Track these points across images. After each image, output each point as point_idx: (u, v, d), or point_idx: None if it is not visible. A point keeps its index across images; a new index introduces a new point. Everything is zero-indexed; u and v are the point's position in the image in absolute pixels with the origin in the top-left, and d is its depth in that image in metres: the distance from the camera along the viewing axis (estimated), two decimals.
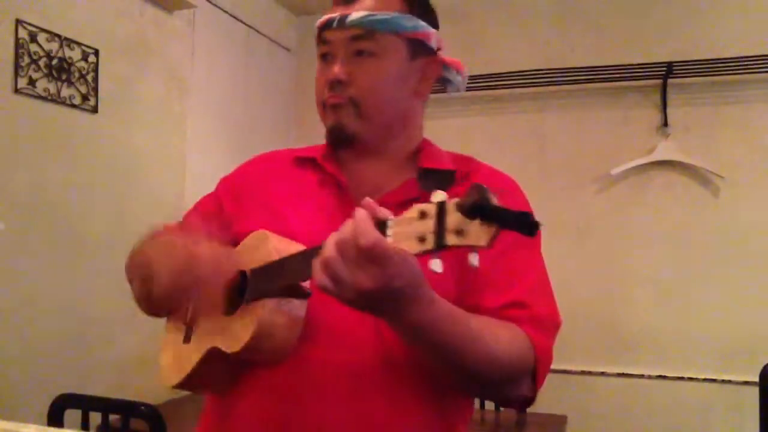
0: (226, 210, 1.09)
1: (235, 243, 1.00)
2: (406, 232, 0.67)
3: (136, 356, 2.24)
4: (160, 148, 2.51)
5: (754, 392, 2.25)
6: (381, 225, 0.70)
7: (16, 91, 1.94)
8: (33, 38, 1.98)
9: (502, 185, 1.14)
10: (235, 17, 2.93)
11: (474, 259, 0.87)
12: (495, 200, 0.62)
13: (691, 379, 2.75)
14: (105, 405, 1.67)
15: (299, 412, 0.91)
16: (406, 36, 1.06)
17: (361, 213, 0.71)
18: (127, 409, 1.63)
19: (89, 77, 2.18)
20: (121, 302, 2.30)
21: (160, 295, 0.93)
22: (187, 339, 1.01)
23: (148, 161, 2.44)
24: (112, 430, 1.74)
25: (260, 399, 0.94)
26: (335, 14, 1.01)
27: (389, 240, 0.69)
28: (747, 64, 2.65)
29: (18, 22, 1.93)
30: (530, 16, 3.06)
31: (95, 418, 1.69)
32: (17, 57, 1.93)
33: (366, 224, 0.69)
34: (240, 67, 3.00)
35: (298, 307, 0.91)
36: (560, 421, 2.34)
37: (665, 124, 2.82)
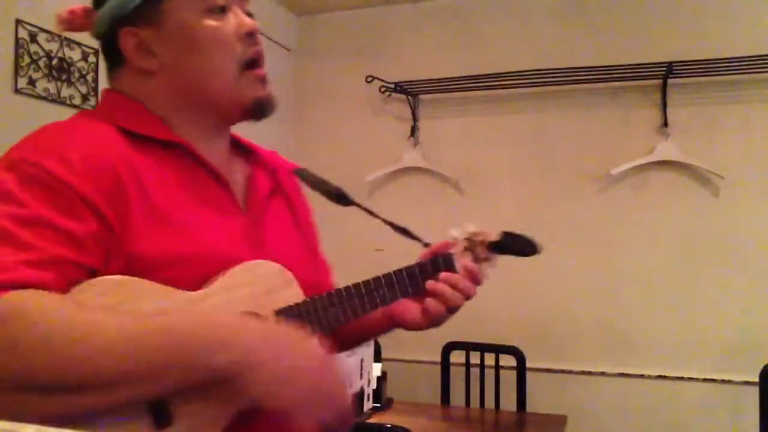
0: (112, 227, 0.75)
1: (129, 269, 0.75)
2: (465, 260, 1.01)
3: None
4: None
5: (754, 392, 2.25)
6: (449, 258, 1.00)
7: (16, 91, 1.94)
8: (33, 38, 1.98)
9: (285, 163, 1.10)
10: None
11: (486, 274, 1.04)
12: (509, 244, 1.01)
13: (691, 379, 2.75)
14: None
15: None
16: None
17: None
18: None
19: (89, 77, 2.18)
20: None
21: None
22: (164, 423, 0.73)
23: None
24: None
25: None
26: None
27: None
28: (747, 64, 2.64)
29: (18, 22, 1.93)
30: (530, 16, 3.06)
31: None
32: (17, 57, 1.93)
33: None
34: None
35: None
36: (560, 421, 2.34)
37: (665, 124, 2.82)
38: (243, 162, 0.99)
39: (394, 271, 0.97)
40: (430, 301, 0.96)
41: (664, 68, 2.72)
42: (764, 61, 2.62)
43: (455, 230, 1.03)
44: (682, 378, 2.77)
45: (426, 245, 1.04)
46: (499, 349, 2.64)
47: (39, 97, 2.01)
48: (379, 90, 3.18)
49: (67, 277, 0.70)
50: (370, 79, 3.15)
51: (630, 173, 2.86)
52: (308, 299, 0.89)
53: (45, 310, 0.64)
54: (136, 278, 0.74)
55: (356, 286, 0.94)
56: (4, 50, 1.91)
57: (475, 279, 0.99)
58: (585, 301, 2.90)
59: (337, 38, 3.36)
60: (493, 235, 1.01)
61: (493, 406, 2.62)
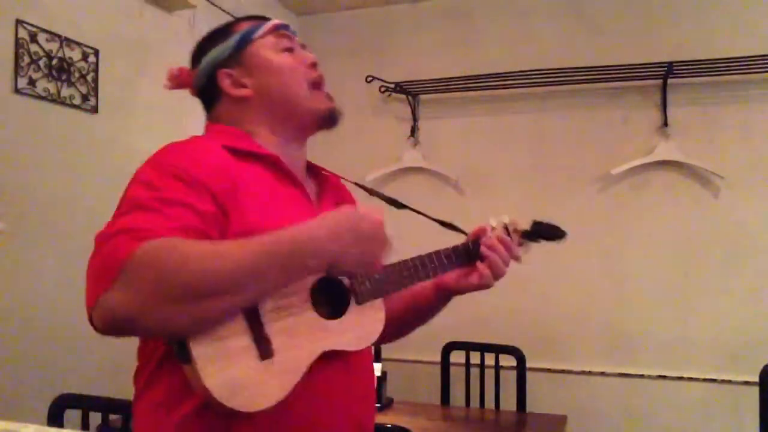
0: (226, 210, 0.98)
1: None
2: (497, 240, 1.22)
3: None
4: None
5: (754, 392, 2.25)
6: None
7: (16, 91, 1.94)
8: (33, 38, 1.98)
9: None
10: (234, 17, 2.92)
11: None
12: (537, 228, 1.29)
13: (691, 379, 2.76)
14: (105, 405, 1.67)
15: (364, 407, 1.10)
16: None
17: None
18: (127, 409, 1.63)
19: (89, 77, 2.18)
20: None
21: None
22: (267, 354, 0.91)
23: None
24: (112, 431, 1.74)
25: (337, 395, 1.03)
26: (286, 22, 1.21)
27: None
28: (747, 64, 2.65)
29: (18, 22, 1.93)
30: (530, 16, 3.06)
31: (95, 418, 1.69)
32: (17, 57, 1.93)
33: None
34: None
35: (381, 302, 1.09)
36: (560, 421, 2.34)
37: (665, 124, 2.82)
38: (313, 180, 1.24)
39: (443, 249, 1.20)
40: (479, 266, 1.21)
41: (664, 68, 2.72)
42: (764, 61, 2.62)
43: (493, 220, 1.23)
44: (682, 378, 2.77)
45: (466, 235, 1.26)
46: (499, 349, 2.64)
47: (39, 97, 2.01)
48: (379, 90, 3.18)
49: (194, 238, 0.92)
50: (370, 79, 3.15)
51: (630, 173, 2.86)
52: (387, 266, 1.09)
53: (191, 244, 0.88)
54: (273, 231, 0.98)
55: (414, 258, 1.15)
56: (4, 50, 1.91)
57: (514, 252, 1.23)
58: (585, 301, 2.90)
59: (337, 38, 3.36)
60: (525, 224, 1.22)
61: (493, 406, 2.62)
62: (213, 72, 1.16)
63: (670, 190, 2.84)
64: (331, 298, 1.02)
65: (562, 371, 2.91)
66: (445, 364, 2.72)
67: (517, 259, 1.23)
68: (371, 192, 1.33)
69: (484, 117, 3.12)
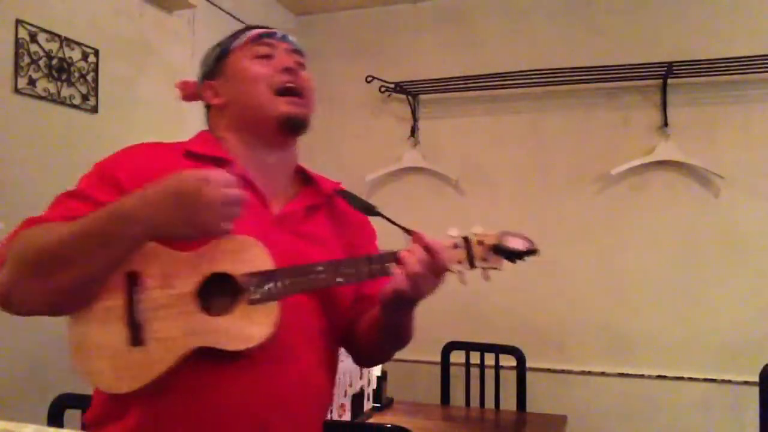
0: None
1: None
2: (448, 256, 1.04)
3: None
4: None
5: (754, 392, 2.25)
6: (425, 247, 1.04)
7: (16, 91, 1.94)
8: (33, 38, 1.98)
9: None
10: (235, 17, 2.93)
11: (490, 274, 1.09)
12: (509, 244, 1.05)
13: (691, 379, 2.76)
14: None
15: (282, 406, 1.05)
16: None
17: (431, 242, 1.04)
18: None
19: (89, 77, 2.18)
20: None
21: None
22: (137, 341, 0.96)
23: None
24: None
25: (242, 393, 1.02)
26: (273, 29, 1.22)
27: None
28: (747, 64, 2.65)
29: (18, 22, 1.93)
30: (530, 17, 3.06)
31: None
32: (17, 57, 1.93)
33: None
34: None
35: (277, 307, 1.03)
36: (560, 421, 2.34)
37: (665, 124, 2.82)
38: (298, 184, 1.25)
39: (368, 254, 1.08)
40: (387, 287, 1.06)
41: (664, 68, 2.72)
42: (764, 61, 2.62)
43: (455, 229, 1.07)
44: (682, 378, 2.77)
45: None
46: (499, 349, 2.64)
47: (39, 97, 2.01)
48: (379, 90, 3.18)
49: None
50: (370, 79, 3.15)
51: (630, 173, 2.86)
52: (277, 269, 1.02)
53: (51, 226, 0.98)
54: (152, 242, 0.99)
55: (326, 262, 1.05)
56: (4, 50, 1.91)
57: (438, 258, 1.03)
58: (585, 301, 2.90)
59: (337, 38, 3.36)
60: (494, 238, 1.05)
61: (493, 406, 2.62)
62: (202, 84, 1.25)
63: (670, 190, 2.84)
64: (226, 296, 1.00)
65: (562, 371, 2.91)
66: (445, 364, 2.72)
67: (440, 261, 1.03)
68: (348, 199, 1.26)
69: (484, 117, 3.12)
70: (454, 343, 2.74)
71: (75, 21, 2.14)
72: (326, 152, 3.27)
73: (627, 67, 2.78)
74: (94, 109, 2.20)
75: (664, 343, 2.80)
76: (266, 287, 1.00)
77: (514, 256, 1.06)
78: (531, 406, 2.59)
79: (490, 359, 2.65)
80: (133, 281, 0.98)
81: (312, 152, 3.33)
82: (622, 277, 2.87)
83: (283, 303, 1.02)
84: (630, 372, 2.83)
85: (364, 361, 1.31)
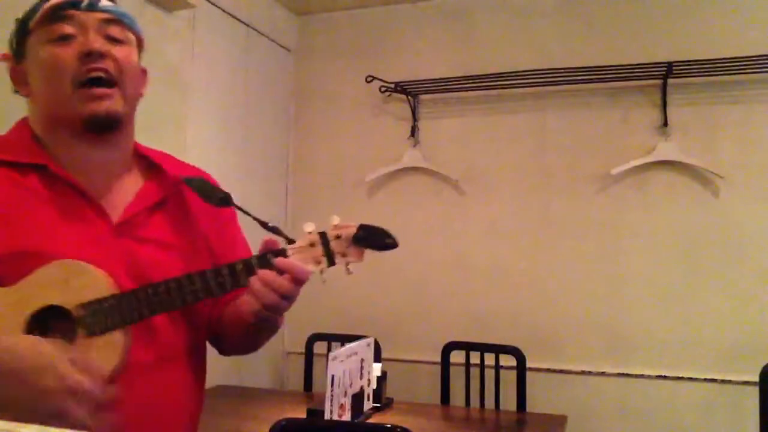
0: None
1: None
2: (304, 257, 0.98)
3: None
4: (160, 148, 2.50)
5: (754, 392, 2.25)
6: (282, 254, 0.98)
7: (16, 90, 1.93)
8: None
9: (195, 173, 1.15)
10: (234, 17, 2.93)
11: (351, 268, 1.01)
12: (365, 233, 0.98)
13: (691, 379, 2.75)
14: None
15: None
16: (137, 36, 1.07)
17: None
18: None
19: None
20: None
21: None
22: None
23: None
24: None
25: None
26: None
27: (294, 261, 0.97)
28: (747, 64, 2.65)
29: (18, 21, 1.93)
30: (530, 16, 3.06)
31: None
32: None
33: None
34: (240, 67, 3.00)
35: (122, 335, 0.93)
36: (560, 421, 2.34)
37: (665, 124, 2.82)
38: (139, 175, 1.08)
39: (220, 266, 0.97)
40: (246, 297, 1.00)
41: (664, 68, 2.72)
42: (764, 61, 2.62)
43: (309, 225, 1.00)
44: (682, 378, 2.77)
45: (291, 242, 1.01)
46: (499, 349, 2.64)
47: None
48: (379, 90, 3.18)
49: None
50: (370, 79, 3.15)
51: (630, 173, 2.86)
52: (114, 295, 0.92)
53: None
54: None
55: (171, 280, 0.95)
56: (4, 50, 1.91)
57: (296, 277, 0.97)
58: (585, 301, 2.90)
59: (337, 38, 3.36)
60: (353, 229, 0.99)
61: (493, 406, 2.62)
62: (12, 67, 1.05)
63: (670, 190, 2.84)
64: (64, 325, 0.90)
65: (562, 371, 2.91)
66: (445, 364, 2.72)
67: (299, 279, 0.97)
68: (199, 191, 1.09)
69: (484, 117, 3.12)
70: (454, 343, 2.74)
71: None
72: (326, 152, 3.27)
73: (627, 67, 2.78)
74: None
75: (664, 343, 2.80)
76: (103, 318, 0.90)
77: (372, 248, 0.99)
78: (531, 406, 2.59)
79: (490, 359, 2.65)
80: None
81: (312, 152, 3.34)
82: (622, 277, 2.87)
83: (134, 326, 0.92)
84: (630, 372, 2.83)
85: (229, 352, 1.20)
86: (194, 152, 2.63)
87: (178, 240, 1.07)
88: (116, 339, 0.91)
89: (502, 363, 2.63)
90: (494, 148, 3.09)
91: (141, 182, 1.07)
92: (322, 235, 0.99)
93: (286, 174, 3.35)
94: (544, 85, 2.96)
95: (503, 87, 3.00)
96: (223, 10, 2.85)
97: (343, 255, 0.99)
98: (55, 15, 0.98)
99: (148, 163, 1.10)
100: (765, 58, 2.61)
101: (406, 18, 3.24)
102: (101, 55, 0.97)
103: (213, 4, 2.78)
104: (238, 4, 2.94)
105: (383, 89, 3.17)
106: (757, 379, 2.20)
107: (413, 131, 3.18)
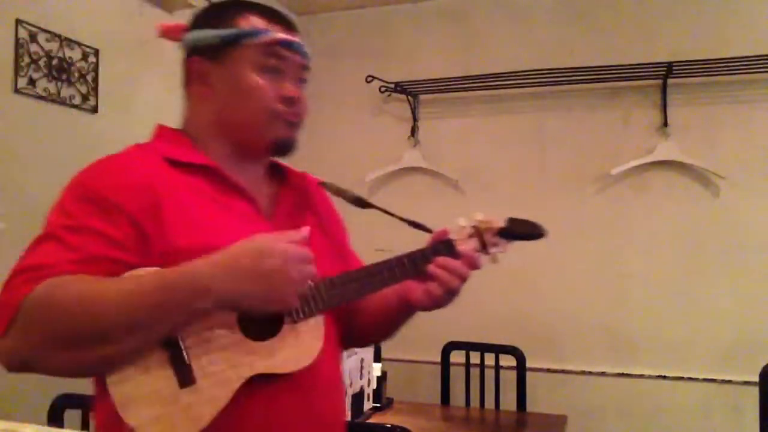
0: (146, 231, 0.93)
1: (164, 263, 0.91)
2: (467, 246, 1.08)
3: None
4: None
5: (754, 392, 2.25)
6: (450, 244, 1.07)
7: (16, 91, 1.94)
8: (33, 38, 1.98)
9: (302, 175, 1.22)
10: None
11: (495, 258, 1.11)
12: (514, 225, 1.10)
13: (691, 379, 2.75)
14: None
15: (316, 408, 1.02)
16: None
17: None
18: None
19: (89, 77, 2.18)
20: None
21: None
22: (186, 381, 0.89)
23: None
24: None
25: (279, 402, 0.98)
26: (293, 37, 1.06)
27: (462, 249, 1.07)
28: (747, 64, 2.65)
29: (18, 22, 1.93)
30: (530, 16, 3.06)
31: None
32: (17, 57, 1.93)
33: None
34: None
35: (321, 319, 1.00)
36: (560, 421, 2.34)
37: (665, 124, 2.82)
38: (274, 183, 1.15)
39: (397, 256, 1.05)
40: (430, 284, 1.06)
41: (664, 68, 2.72)
42: (764, 61, 2.62)
43: (462, 219, 1.09)
44: (682, 378, 2.77)
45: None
46: (499, 349, 2.64)
47: (39, 97, 2.01)
48: (379, 90, 3.18)
49: (104, 270, 0.88)
50: (370, 79, 3.15)
51: (630, 173, 2.86)
52: (311, 283, 0.96)
53: (77, 290, 0.85)
54: (161, 268, 0.89)
55: (359, 270, 1.04)
56: (4, 50, 1.91)
57: (472, 263, 1.07)
58: (585, 301, 2.90)
59: (337, 38, 3.36)
60: (500, 222, 1.09)
61: (493, 406, 2.62)
62: (191, 51, 1.09)
63: (670, 190, 2.84)
64: (265, 319, 0.94)
65: (562, 371, 2.91)
66: (445, 364, 2.72)
67: (476, 267, 1.08)
68: (336, 192, 1.18)
69: (484, 117, 3.12)
70: (454, 343, 2.74)
71: (75, 21, 2.14)
72: (326, 152, 3.27)
73: (627, 67, 2.78)
74: (94, 109, 2.20)
75: (664, 343, 2.80)
76: (309, 303, 0.97)
77: (522, 238, 1.10)
78: (531, 406, 2.59)
79: (490, 359, 2.65)
80: None
81: (312, 152, 3.33)
82: (622, 277, 2.87)
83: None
84: (630, 372, 2.83)
85: (352, 343, 1.25)
86: None
87: (320, 239, 1.11)
88: (317, 324, 0.98)
89: (502, 363, 2.64)
90: (494, 148, 3.09)
91: (275, 187, 1.14)
92: (476, 228, 1.08)
93: None
94: (544, 86, 2.96)
95: (503, 87, 3.00)
96: None
97: (495, 245, 1.09)
98: (273, 48, 1.04)
99: (274, 168, 1.17)
100: (765, 58, 2.61)
101: (406, 18, 3.24)
102: (296, 102, 1.06)
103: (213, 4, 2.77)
104: None
105: (383, 89, 3.17)
106: (757, 379, 2.20)
107: (413, 131, 3.18)
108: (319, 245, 1.07)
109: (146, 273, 0.89)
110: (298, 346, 0.96)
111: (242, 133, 1.06)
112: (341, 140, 3.31)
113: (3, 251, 1.91)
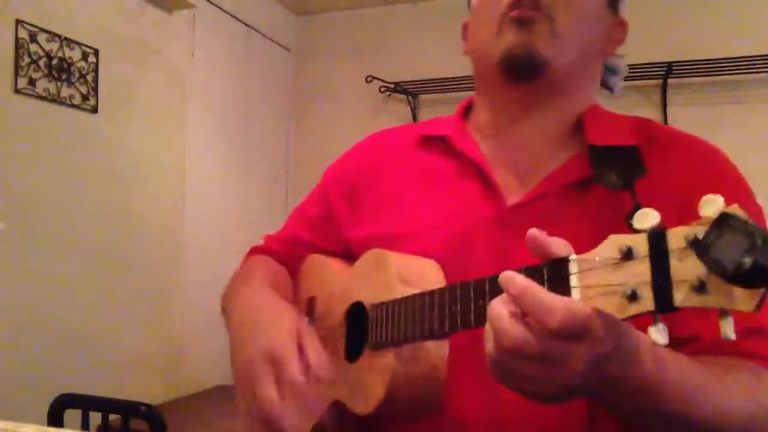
0: (336, 212, 0.92)
1: (349, 252, 0.86)
2: (602, 284, 0.47)
3: (136, 356, 2.24)
4: (160, 148, 2.51)
5: None
6: (560, 269, 0.49)
7: (16, 91, 1.94)
8: (33, 38, 1.98)
9: (709, 163, 0.84)
10: (234, 17, 2.93)
11: (728, 330, 0.46)
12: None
13: None
14: (105, 405, 1.67)
15: None
16: None
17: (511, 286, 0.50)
18: (127, 409, 1.63)
19: (89, 77, 2.18)
20: (121, 302, 2.31)
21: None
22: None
23: (148, 161, 2.44)
24: (112, 431, 1.74)
25: None
26: None
27: (576, 297, 0.47)
28: (747, 64, 2.65)
29: (18, 22, 1.93)
30: None
31: (95, 418, 1.69)
32: (17, 57, 1.93)
33: (504, 322, 0.50)
34: (240, 67, 3.00)
35: (436, 349, 0.68)
36: None
37: (665, 123, 2.82)
38: (579, 144, 0.80)
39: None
40: None
41: (664, 68, 2.72)
42: (764, 61, 2.62)
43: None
44: None
45: None
46: None
47: (39, 97, 2.01)
48: (379, 90, 3.18)
49: (297, 250, 0.96)
50: (370, 79, 3.15)
51: None
52: (401, 298, 0.68)
53: (251, 268, 0.94)
54: (324, 256, 0.91)
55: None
56: (4, 50, 1.91)
57: None
58: None
59: (337, 38, 3.36)
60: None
61: None
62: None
63: None
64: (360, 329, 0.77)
65: None
66: None
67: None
68: None
69: None
70: None
71: (75, 21, 2.14)
72: (326, 152, 3.27)
73: (627, 67, 2.77)
74: (94, 109, 2.20)
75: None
76: (383, 327, 0.69)
77: None
78: None
79: None
80: (311, 309, 0.90)
81: (312, 152, 3.34)
82: None
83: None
84: None
85: None
86: (194, 152, 2.63)
87: (580, 237, 0.57)
88: (386, 363, 0.69)
89: None
90: None
91: (576, 152, 0.80)
92: (654, 237, 0.55)
93: (286, 174, 3.35)
94: None
95: None
96: (223, 11, 2.85)
97: (699, 289, 0.67)
98: None
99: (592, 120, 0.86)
100: (765, 58, 2.61)
101: (406, 18, 3.24)
102: None
103: (213, 4, 2.78)
104: (238, 4, 2.94)
105: (383, 89, 3.17)
106: None
107: None
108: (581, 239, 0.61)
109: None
110: (364, 385, 0.72)
111: (478, 61, 0.87)
112: (341, 140, 3.30)
113: (3, 251, 1.91)
